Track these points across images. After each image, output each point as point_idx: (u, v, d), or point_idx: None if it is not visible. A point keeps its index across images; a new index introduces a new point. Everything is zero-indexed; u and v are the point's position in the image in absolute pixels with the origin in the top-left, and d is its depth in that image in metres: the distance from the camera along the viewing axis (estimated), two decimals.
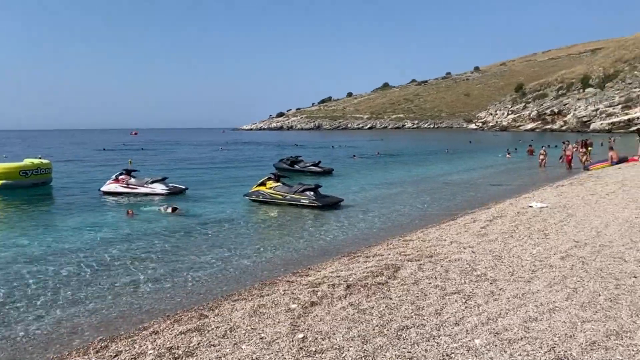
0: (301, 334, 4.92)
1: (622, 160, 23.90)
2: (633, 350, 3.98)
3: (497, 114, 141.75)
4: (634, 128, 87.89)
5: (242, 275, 8.51)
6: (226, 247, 10.45)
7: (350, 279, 6.71)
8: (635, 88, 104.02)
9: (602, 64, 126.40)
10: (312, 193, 15.59)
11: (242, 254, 9.93)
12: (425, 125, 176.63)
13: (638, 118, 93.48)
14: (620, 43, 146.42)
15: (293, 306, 5.81)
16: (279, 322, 5.34)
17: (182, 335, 5.27)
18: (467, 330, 4.66)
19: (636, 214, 9.30)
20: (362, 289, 6.17)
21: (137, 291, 7.65)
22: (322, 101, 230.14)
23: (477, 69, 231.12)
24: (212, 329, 5.36)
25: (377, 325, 4.96)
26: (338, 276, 7.01)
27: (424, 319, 5.03)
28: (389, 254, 7.87)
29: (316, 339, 4.77)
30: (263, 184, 16.66)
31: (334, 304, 5.73)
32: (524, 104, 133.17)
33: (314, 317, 5.38)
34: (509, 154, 38.21)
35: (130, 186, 18.74)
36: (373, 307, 5.47)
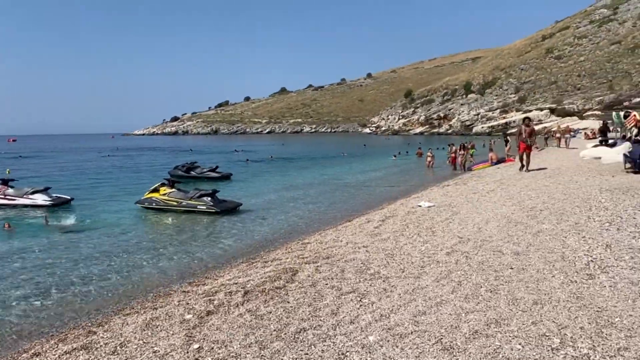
0: (197, 344, 4.79)
1: (500, 160, 25.90)
2: (510, 336, 4.31)
3: (389, 119, 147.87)
4: (511, 130, 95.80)
5: (134, 287, 8.12)
6: (117, 259, 9.93)
7: (248, 285, 6.65)
8: (511, 94, 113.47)
9: (482, 72, 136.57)
10: (209, 198, 15.27)
11: (134, 265, 9.49)
12: (323, 130, 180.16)
13: (514, 121, 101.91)
14: (497, 52, 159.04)
15: (188, 317, 5.64)
16: (173, 334, 5.15)
17: (67, 355, 4.92)
18: (361, 328, 4.79)
19: (512, 210, 10.11)
20: (260, 295, 6.13)
21: (17, 311, 7.03)
22: (219, 105, 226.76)
23: (369, 75, 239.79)
24: (101, 345, 5.06)
25: (274, 330, 4.95)
26: (236, 283, 6.92)
27: (320, 320, 5.10)
28: (288, 258, 7.90)
29: (212, 348, 4.66)
30: (156, 190, 16.04)
31: (231, 312, 5.64)
32: (413, 109, 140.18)
33: (210, 326, 5.26)
34: (394, 156, 40.17)
35: (7, 197, 17.19)
36: (271, 312, 5.46)
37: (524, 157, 17.58)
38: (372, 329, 4.74)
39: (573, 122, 71.18)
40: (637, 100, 16.86)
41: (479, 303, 5.14)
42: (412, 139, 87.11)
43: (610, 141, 28.73)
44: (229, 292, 6.44)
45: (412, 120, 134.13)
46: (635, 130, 15.62)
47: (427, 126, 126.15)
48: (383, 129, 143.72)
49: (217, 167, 28.20)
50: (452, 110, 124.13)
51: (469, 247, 7.41)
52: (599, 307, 4.87)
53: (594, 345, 4.06)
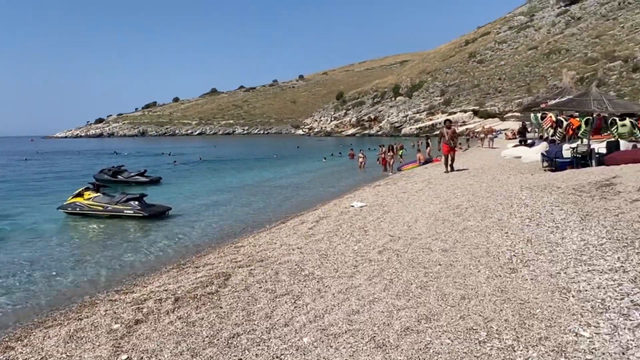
0: (125, 355, 4.59)
1: (428, 161, 26.76)
2: (440, 331, 4.43)
3: (321, 121, 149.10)
4: (436, 132, 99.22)
5: (57, 298, 7.70)
6: (38, 268, 9.37)
7: (179, 292, 6.46)
8: (437, 97, 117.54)
9: (410, 75, 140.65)
10: (136, 203, 14.74)
11: (56, 273, 8.99)
12: (255, 131, 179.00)
13: (440, 123, 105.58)
14: (424, 56, 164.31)
15: (116, 326, 5.40)
16: (99, 345, 4.91)
17: None
18: (296, 330, 4.77)
19: (439, 208, 10.44)
20: (191, 301, 5.97)
21: None
22: (147, 106, 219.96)
23: (301, 77, 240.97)
24: None
25: (207, 337, 4.84)
26: (166, 290, 6.71)
27: (254, 324, 5.03)
28: (220, 262, 7.76)
29: (142, 358, 4.49)
30: (80, 194, 15.30)
31: (161, 320, 5.45)
32: (344, 111, 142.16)
33: (139, 335, 5.06)
34: (324, 159, 40.66)
35: None
36: (203, 319, 5.33)
37: (449, 158, 17.91)
38: (307, 331, 4.73)
39: (495, 124, 74.78)
40: (552, 102, 18.04)
41: (409, 300, 5.25)
42: (344, 141, 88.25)
43: (529, 141, 30.38)
44: (159, 299, 6.23)
45: (344, 121, 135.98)
46: (551, 131, 16.60)
47: (358, 128, 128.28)
48: (316, 130, 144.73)
49: (145, 170, 27.30)
50: (382, 112, 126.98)
51: (400, 245, 7.57)
52: (521, 300, 5.10)
53: (517, 337, 4.24)
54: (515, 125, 63.06)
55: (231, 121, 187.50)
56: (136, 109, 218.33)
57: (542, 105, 17.69)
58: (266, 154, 52.16)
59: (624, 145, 16.69)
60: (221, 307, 5.59)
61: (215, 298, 5.93)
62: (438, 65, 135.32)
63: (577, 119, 15.62)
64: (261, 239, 9.49)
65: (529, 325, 4.48)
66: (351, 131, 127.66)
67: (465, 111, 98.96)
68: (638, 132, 15.04)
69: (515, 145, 30.19)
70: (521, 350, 4.00)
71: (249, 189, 21.52)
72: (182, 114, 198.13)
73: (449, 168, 17.80)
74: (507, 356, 3.93)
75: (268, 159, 45.86)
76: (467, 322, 4.60)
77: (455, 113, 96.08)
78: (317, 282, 6.21)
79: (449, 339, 4.27)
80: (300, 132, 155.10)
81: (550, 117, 16.20)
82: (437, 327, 4.51)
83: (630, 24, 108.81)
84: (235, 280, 6.58)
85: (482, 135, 37.51)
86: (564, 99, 17.18)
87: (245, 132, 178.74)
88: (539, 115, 17.07)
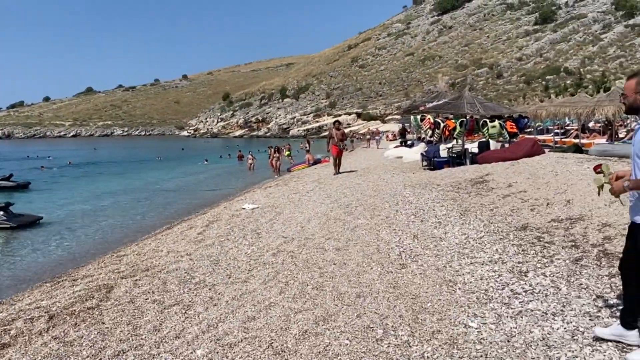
0: None
1: (316, 161, 27.14)
2: (338, 332, 4.40)
3: (207, 122, 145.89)
4: (324, 133, 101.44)
5: None
6: None
7: (54, 309, 5.84)
8: (322, 99, 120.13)
9: (296, 77, 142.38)
10: (1, 213, 13.28)
11: None
12: (136, 133, 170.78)
13: (326, 125, 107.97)
14: (309, 60, 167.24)
15: None
16: None
17: None
18: (188, 342, 4.49)
19: (331, 208, 10.56)
20: (68, 318, 5.41)
21: None
22: (12, 106, 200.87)
23: (185, 77, 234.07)
24: None
25: (88, 356, 4.39)
26: (38, 307, 6.03)
27: (142, 339, 4.66)
28: (101, 274, 7.16)
29: None
30: None
31: (33, 342, 4.87)
32: (231, 112, 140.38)
33: None
34: (206, 161, 39.92)
35: None
36: (83, 337, 4.84)
37: (337, 160, 17.75)
38: (200, 342, 4.47)
39: (377, 125, 78.05)
40: (430, 105, 19.31)
41: (306, 302, 5.18)
42: (232, 142, 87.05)
43: (408, 142, 32.01)
44: (30, 318, 5.58)
45: (231, 123, 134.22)
46: (430, 132, 17.59)
47: (246, 129, 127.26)
48: (202, 131, 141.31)
49: (11, 175, 24.81)
50: (269, 114, 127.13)
51: (294, 247, 7.50)
52: (413, 295, 5.24)
53: (412, 332, 4.33)
54: (396, 127, 66.36)
55: (109, 122, 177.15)
56: (0, 108, 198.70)
57: (421, 108, 18.69)
58: (149, 157, 49.84)
59: (493, 145, 18.10)
60: (103, 323, 5.12)
61: (97, 313, 5.43)
62: (323, 68, 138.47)
63: (453, 120, 16.66)
64: (146, 246, 8.93)
65: (421, 319, 4.60)
66: (239, 132, 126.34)
67: (349, 114, 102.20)
68: (506, 132, 16.38)
69: (397, 146, 31.68)
70: (416, 346, 4.08)
71: (130, 194, 20.35)
72: (54, 115, 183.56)
73: (337, 169, 17.79)
74: (404, 352, 3.97)
75: (151, 161, 43.84)
76: (363, 320, 4.61)
77: (340, 115, 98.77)
78: (209, 289, 5.93)
79: (347, 339, 4.24)
80: (185, 133, 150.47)
81: (429, 119, 17.16)
82: (335, 328, 4.47)
83: (494, 34, 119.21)
84: (119, 293, 6.09)
85: (368, 137, 38.93)
86: (440, 102, 18.28)
87: (125, 133, 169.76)
88: (418, 117, 17.98)
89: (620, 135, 20.50)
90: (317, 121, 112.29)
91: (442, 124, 16.52)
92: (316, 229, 8.63)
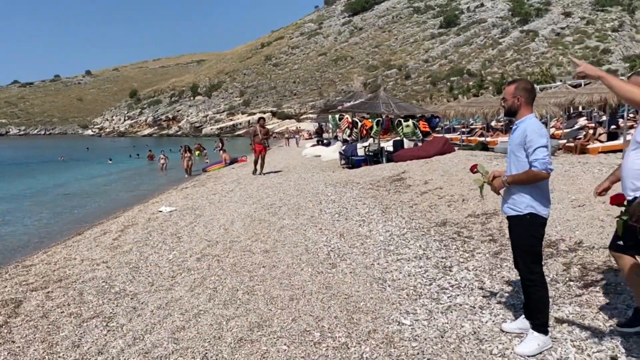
0: None
1: (233, 161, 26.68)
2: (274, 338, 4.28)
3: (113, 120, 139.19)
4: (238, 132, 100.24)
5: None
6: None
7: None
8: (236, 97, 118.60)
9: (208, 74, 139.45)
10: None
11: None
12: (35, 132, 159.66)
13: (241, 123, 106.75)
14: (221, 57, 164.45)
15: None
16: None
17: None
18: (113, 358, 4.18)
19: (254, 209, 10.37)
20: None
21: None
22: None
23: (88, 72, 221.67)
24: None
25: None
26: None
27: (59, 357, 4.28)
28: (6, 287, 6.52)
29: None
30: None
31: None
32: (139, 109, 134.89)
33: None
34: (110, 160, 38.21)
35: None
36: None
37: (260, 159, 17.13)
38: (127, 357, 4.17)
39: (292, 124, 78.24)
40: (348, 105, 19.65)
41: (238, 307, 5.01)
42: (140, 141, 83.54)
43: (325, 141, 32.36)
44: None
45: (140, 121, 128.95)
46: (348, 131, 17.86)
47: (155, 127, 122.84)
48: (108, 130, 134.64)
49: None
50: (180, 112, 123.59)
51: (219, 250, 7.27)
52: (345, 294, 5.24)
53: (349, 333, 4.31)
54: (311, 126, 66.91)
55: (4, 120, 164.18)
56: None
57: (339, 107, 18.91)
58: (51, 157, 46.60)
59: (407, 143, 18.70)
60: (14, 342, 4.65)
61: (5, 331, 4.92)
62: (236, 66, 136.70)
63: (370, 120, 17.02)
64: (56, 254, 8.28)
65: (356, 320, 4.59)
66: (148, 131, 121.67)
67: (264, 112, 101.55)
68: (419, 131, 16.97)
69: (313, 145, 31.93)
70: (355, 347, 4.06)
71: (32, 198, 18.88)
72: None
73: (258, 168, 17.17)
74: (343, 355, 3.94)
75: (53, 161, 40.99)
76: (299, 324, 4.53)
77: (254, 114, 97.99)
78: (131, 299, 5.59)
79: (284, 344, 4.14)
80: (89, 132, 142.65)
81: (347, 118, 17.42)
82: (272, 334, 4.35)
83: (402, 36, 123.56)
84: (29, 307, 5.57)
85: (286, 135, 38.87)
86: (357, 101, 18.61)
87: (22, 132, 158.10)
88: (337, 116, 18.19)
89: None
90: (231, 119, 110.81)
91: (359, 123, 16.80)
92: (241, 231, 8.43)
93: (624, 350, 3.66)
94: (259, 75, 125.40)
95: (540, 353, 3.71)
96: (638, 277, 3.65)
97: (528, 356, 3.70)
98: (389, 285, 5.49)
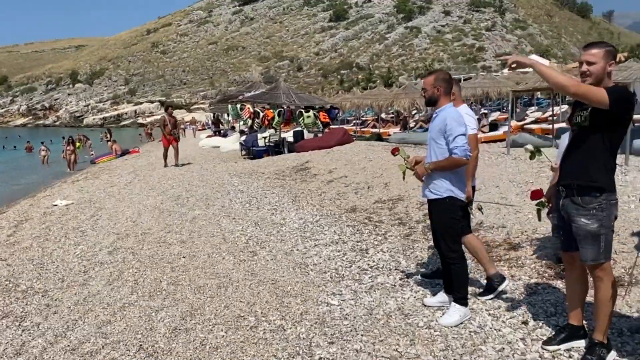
0: None
1: (125, 152, 25.44)
2: (210, 325, 4.28)
3: None
4: (124, 122, 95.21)
5: None
6: None
7: None
8: (121, 85, 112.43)
9: (89, 61, 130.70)
10: None
11: None
12: None
13: (126, 113, 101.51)
14: (103, 42, 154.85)
15: None
16: None
17: None
18: (35, 357, 3.95)
19: (160, 200, 10.07)
20: None
21: None
22: None
23: None
24: None
25: None
26: None
27: None
28: None
29: None
30: None
31: None
32: (11, 97, 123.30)
33: None
34: None
35: None
36: None
37: (174, 150, 15.98)
38: (52, 355, 3.96)
39: (184, 115, 75.90)
40: (248, 95, 19.45)
41: (165, 298, 4.92)
42: (13, 132, 76.46)
43: (221, 132, 31.94)
44: None
45: (11, 110, 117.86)
46: (250, 122, 17.82)
47: (30, 117, 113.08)
48: None
49: None
50: (58, 101, 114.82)
51: (132, 243, 7.01)
52: (272, 280, 5.34)
53: (282, 316, 4.42)
54: (203, 117, 65.44)
55: None
56: None
57: (240, 97, 18.77)
58: None
59: (307, 134, 19.07)
60: None
61: None
62: (120, 52, 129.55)
63: (271, 110, 17.11)
64: None
65: (287, 303, 4.72)
66: (21, 121, 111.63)
67: (152, 102, 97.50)
68: (319, 122, 17.37)
69: (210, 136, 31.37)
70: (290, 329, 4.19)
71: None
72: None
73: (172, 160, 15.99)
74: (282, 336, 4.05)
75: None
76: (232, 310, 4.57)
77: (141, 103, 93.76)
78: (42, 296, 5.25)
79: (221, 331, 4.17)
80: None
81: (249, 108, 17.35)
82: (206, 322, 4.35)
83: (293, 28, 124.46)
84: None
85: (182, 126, 37.62)
86: (258, 92, 18.60)
87: None
88: (238, 106, 18.05)
89: (411, 125, 23.19)
90: (116, 109, 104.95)
91: (261, 114, 16.84)
92: (151, 222, 8.18)
93: (531, 315, 4.15)
94: (146, 63, 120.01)
95: (462, 323, 4.09)
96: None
97: (451, 326, 4.06)
98: (312, 270, 5.68)
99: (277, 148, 17.82)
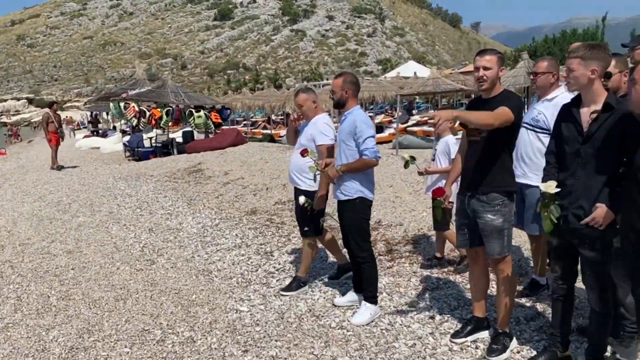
0: None
1: None
2: (112, 341, 3.94)
3: None
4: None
5: None
6: None
7: None
8: None
9: None
10: None
11: None
12: None
13: None
14: None
15: None
16: None
17: None
18: None
19: (38, 206, 9.17)
20: None
21: None
22: None
23: None
24: None
25: None
26: None
27: None
28: None
29: None
30: None
31: None
32: None
33: None
34: None
35: None
36: None
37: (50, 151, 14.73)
38: None
39: (68, 114, 70.20)
40: (133, 93, 18.28)
41: (57, 315, 4.46)
42: None
43: (100, 131, 30.03)
44: None
45: None
46: (135, 121, 16.86)
47: None
48: None
49: None
50: None
51: (10, 255, 6.29)
52: (175, 289, 5.07)
53: (191, 327, 4.21)
54: (77, 115, 61.13)
55: None
56: None
57: (123, 95, 17.70)
58: None
59: (197, 134, 18.52)
60: None
61: None
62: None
63: (158, 109, 16.37)
64: None
65: (194, 312, 4.51)
66: None
67: (18, 99, 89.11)
68: (211, 123, 16.93)
69: (87, 136, 29.35)
70: (201, 340, 4.00)
71: None
72: None
73: (57, 162, 14.68)
74: (192, 348, 3.85)
75: None
76: (135, 324, 4.26)
77: (6, 100, 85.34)
78: None
79: (126, 347, 3.86)
80: None
81: (133, 107, 16.43)
82: (106, 338, 4.00)
83: (176, 25, 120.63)
84: None
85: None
86: (143, 89, 17.68)
87: None
88: (121, 105, 17.02)
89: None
90: None
91: (147, 113, 16.04)
92: (30, 231, 7.41)
93: (436, 309, 4.32)
94: (10, 57, 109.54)
95: (373, 321, 4.16)
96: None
97: (363, 325, 4.11)
98: (216, 276, 5.48)
99: (165, 149, 17.08)
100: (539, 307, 4.21)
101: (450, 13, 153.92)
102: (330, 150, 4.60)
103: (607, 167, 2.88)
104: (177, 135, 18.48)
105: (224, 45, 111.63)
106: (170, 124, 17.16)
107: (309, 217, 4.71)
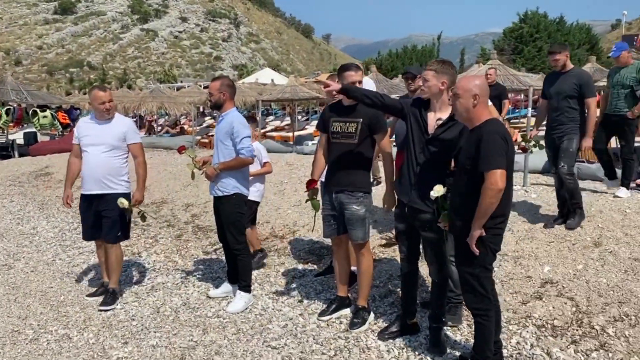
0: None
1: None
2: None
3: None
4: None
5: None
6: None
7: None
8: None
9: None
10: None
11: None
12: None
13: None
14: None
15: None
16: None
17: None
18: None
19: None
20: None
21: None
22: None
23: None
24: None
25: None
26: None
27: None
28: None
29: None
30: None
31: None
32: None
33: None
34: None
35: None
36: None
37: None
38: None
39: None
40: None
41: None
42: None
43: None
44: None
45: None
46: None
47: None
48: None
49: None
50: None
51: None
52: (40, 291, 4.97)
53: (65, 325, 4.20)
54: None
55: None
56: None
57: None
58: None
59: (41, 136, 17.19)
60: None
61: None
62: None
63: None
64: None
65: (65, 312, 4.51)
66: None
67: None
68: (58, 123, 15.84)
69: None
70: (77, 336, 4.04)
71: None
72: None
73: None
74: (69, 344, 3.89)
75: None
76: (3, 326, 4.13)
77: None
78: None
79: None
80: None
81: None
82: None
83: (9, 16, 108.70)
84: None
85: None
86: None
87: None
88: None
89: (158, 130, 22.75)
90: None
91: None
92: None
93: (304, 294, 4.80)
94: None
95: (247, 308, 4.50)
96: None
97: (238, 312, 4.43)
98: (83, 278, 5.42)
99: (4, 151, 15.60)
100: (390, 286, 4.88)
101: (303, 23, 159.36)
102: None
103: (442, 164, 3.54)
104: (18, 137, 16.96)
105: (65, 41, 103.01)
106: (10, 124, 15.70)
107: (126, 222, 4.82)
